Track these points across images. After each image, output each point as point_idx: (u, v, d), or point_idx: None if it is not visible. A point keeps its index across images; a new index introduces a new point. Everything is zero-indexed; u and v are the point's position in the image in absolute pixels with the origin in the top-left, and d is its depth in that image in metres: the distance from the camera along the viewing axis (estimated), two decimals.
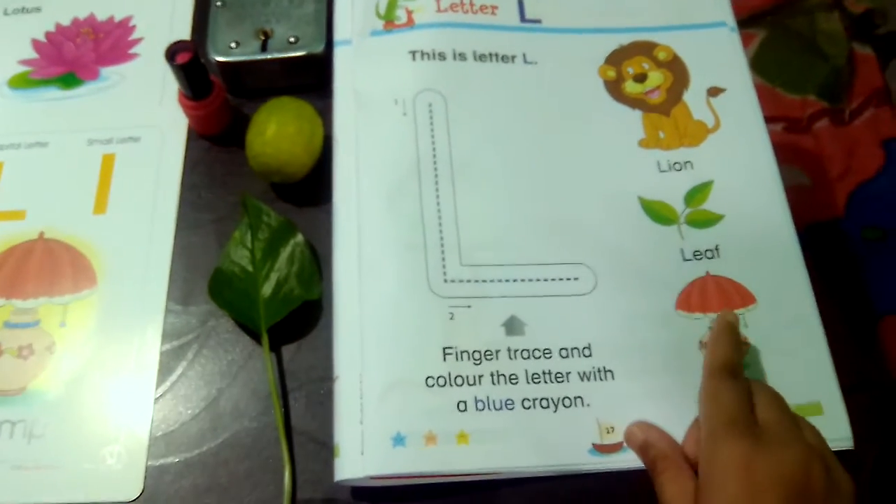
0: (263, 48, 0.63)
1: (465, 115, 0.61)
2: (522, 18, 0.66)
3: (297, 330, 0.58)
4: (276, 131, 0.59)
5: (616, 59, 0.65)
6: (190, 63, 0.59)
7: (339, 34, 0.65)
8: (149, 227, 0.62)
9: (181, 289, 0.60)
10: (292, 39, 0.64)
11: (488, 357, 0.54)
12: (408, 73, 0.63)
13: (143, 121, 0.66)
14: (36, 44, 0.70)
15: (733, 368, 0.49)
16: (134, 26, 0.70)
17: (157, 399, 0.57)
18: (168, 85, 0.67)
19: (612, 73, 0.64)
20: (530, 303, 0.56)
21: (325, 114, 0.62)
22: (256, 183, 0.62)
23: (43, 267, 0.61)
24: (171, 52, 0.59)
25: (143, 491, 0.54)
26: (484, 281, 0.56)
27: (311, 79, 0.65)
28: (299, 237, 0.59)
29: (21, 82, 0.68)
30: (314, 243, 0.60)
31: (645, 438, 0.50)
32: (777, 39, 0.74)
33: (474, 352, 0.54)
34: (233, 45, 0.64)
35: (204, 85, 0.61)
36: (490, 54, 0.64)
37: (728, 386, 0.48)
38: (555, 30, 0.66)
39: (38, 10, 0.72)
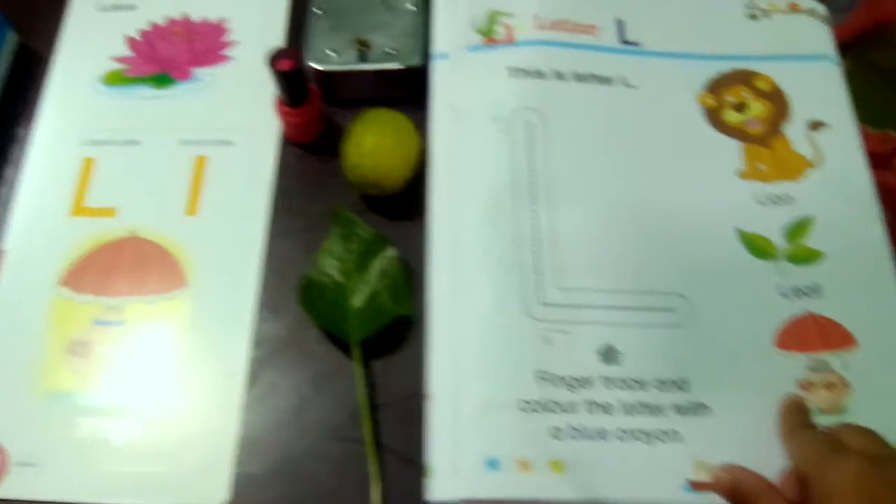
0: (361, 58, 0.63)
1: (562, 135, 0.60)
2: (622, 40, 0.65)
3: (386, 344, 0.57)
4: (374, 143, 0.59)
5: (715, 86, 0.64)
6: (292, 70, 0.58)
7: (436, 47, 0.65)
8: (239, 231, 0.62)
9: (270, 296, 0.59)
10: (390, 51, 0.63)
11: (583, 384, 0.53)
12: (506, 89, 0.62)
13: (236, 124, 0.66)
14: (130, 41, 0.70)
15: (805, 423, 0.51)
16: (228, 29, 0.70)
17: (243, 406, 0.56)
18: (261, 89, 0.67)
19: (711, 101, 0.63)
20: (626, 331, 0.55)
21: (420, 127, 0.62)
22: (347, 193, 0.62)
23: (133, 266, 0.61)
24: (274, 58, 0.58)
25: (229, 499, 0.53)
26: (579, 306, 0.55)
27: (406, 91, 0.64)
28: (391, 251, 0.59)
29: (115, 79, 0.69)
30: (405, 257, 0.59)
31: (733, 479, 0.50)
32: (860, 72, 0.72)
33: (569, 378, 0.53)
34: (330, 53, 0.63)
35: (303, 92, 0.61)
36: (589, 75, 0.63)
37: (809, 433, 0.50)
38: (654, 53, 0.65)
39: (132, 7, 0.72)
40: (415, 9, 0.65)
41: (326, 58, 0.63)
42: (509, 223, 0.58)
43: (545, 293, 0.56)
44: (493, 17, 0.65)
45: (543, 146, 0.60)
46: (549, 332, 0.55)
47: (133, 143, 0.66)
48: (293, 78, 0.59)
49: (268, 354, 0.58)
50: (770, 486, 0.49)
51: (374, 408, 0.56)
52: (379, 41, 0.64)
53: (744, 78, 0.65)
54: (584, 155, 0.60)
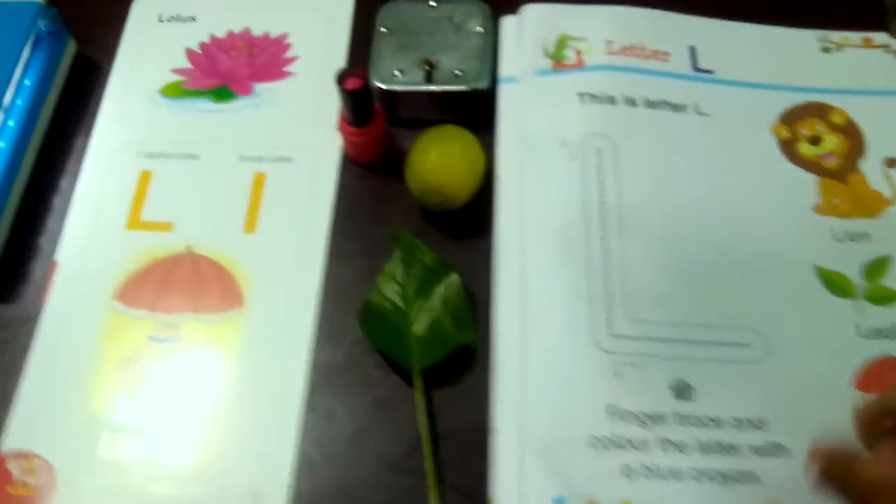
0: (428, 79, 0.61)
1: (633, 163, 0.59)
2: (695, 67, 0.63)
3: (448, 373, 0.56)
4: (440, 152, 0.58)
5: (790, 118, 0.63)
6: (360, 89, 0.57)
7: (504, 71, 0.64)
8: (298, 251, 0.60)
9: (329, 318, 0.58)
10: (457, 73, 0.62)
11: (655, 421, 0.51)
12: (576, 115, 0.61)
13: (297, 141, 0.64)
14: (190, 54, 0.69)
15: None
16: (289, 44, 0.69)
17: (299, 431, 0.54)
18: (323, 106, 0.65)
19: (785, 133, 0.62)
20: (699, 366, 0.53)
21: (485, 150, 0.61)
22: (409, 216, 0.61)
23: (189, 282, 0.59)
24: (342, 77, 0.57)
25: None
26: (651, 339, 0.54)
27: (471, 113, 0.63)
28: (454, 277, 0.57)
29: (174, 91, 0.67)
30: (468, 283, 0.58)
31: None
32: None
33: (641, 414, 0.51)
34: (396, 73, 0.62)
35: (368, 112, 0.59)
36: (661, 102, 0.62)
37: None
38: (728, 82, 0.64)
39: (192, 19, 0.71)
40: (483, 30, 0.64)
41: (392, 77, 0.62)
42: (579, 251, 0.56)
43: (616, 324, 0.54)
44: (563, 42, 0.64)
45: (614, 173, 0.59)
46: (619, 366, 0.53)
47: (191, 156, 0.64)
48: (360, 97, 0.58)
49: (325, 379, 0.57)
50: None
51: (434, 438, 0.54)
52: (446, 62, 0.63)
53: (818, 111, 0.63)
54: (656, 183, 0.58)
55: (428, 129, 0.60)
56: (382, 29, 0.64)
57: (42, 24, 0.65)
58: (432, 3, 0.65)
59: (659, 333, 0.54)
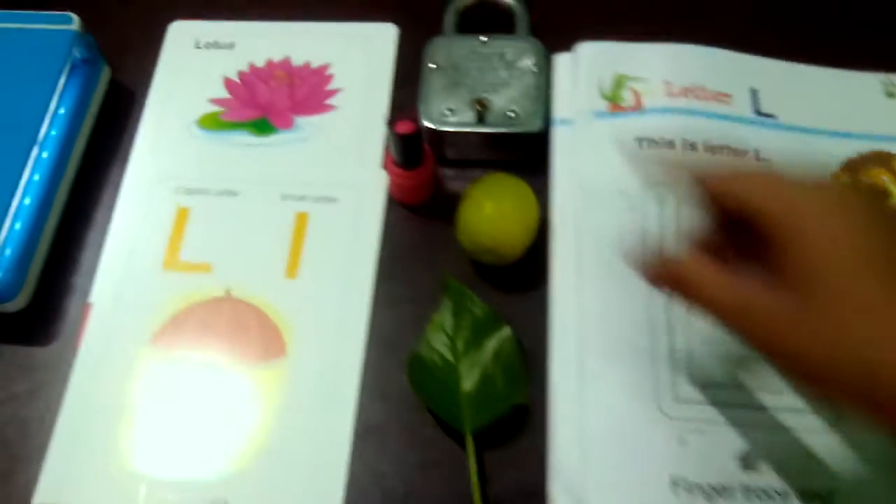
0: (479, 120, 0.59)
1: (695, 212, 0.56)
2: (757, 111, 0.61)
3: (501, 433, 0.54)
4: (494, 208, 0.55)
5: (852, 167, 0.60)
6: (412, 134, 0.54)
7: (559, 112, 0.61)
8: (343, 298, 0.58)
9: (374, 369, 0.56)
10: (510, 113, 0.59)
11: (721, 493, 0.49)
12: (634, 161, 0.58)
13: (340, 180, 0.62)
14: (228, 83, 0.67)
15: None
16: (331, 75, 0.67)
17: (343, 491, 0.52)
18: (367, 143, 0.63)
19: (847, 182, 0.59)
20: (766, 434, 0.51)
21: (539, 195, 0.59)
22: (457, 261, 0.58)
23: (229, 329, 0.57)
24: (393, 120, 0.54)
25: None
26: (717, 403, 0.51)
27: (523, 155, 0.60)
28: (507, 330, 0.55)
29: (212, 123, 0.65)
30: (520, 336, 0.56)
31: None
32: None
33: (706, 486, 0.49)
34: (447, 112, 0.59)
35: (419, 155, 0.57)
36: (723, 147, 0.59)
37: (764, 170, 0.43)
38: (789, 127, 0.61)
39: (231, 46, 0.69)
40: (536, 70, 0.61)
41: (442, 117, 0.59)
42: (641, 307, 0.54)
43: (681, 388, 0.51)
44: (621, 82, 0.61)
45: (676, 224, 0.56)
46: (684, 433, 0.51)
47: (230, 193, 0.62)
48: (411, 141, 0.56)
49: (372, 436, 0.55)
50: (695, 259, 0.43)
51: (486, 503, 0.51)
52: (498, 102, 0.60)
53: (884, 160, 0.60)
54: None
55: (479, 178, 0.58)
56: (431, 65, 0.61)
57: (77, 52, 0.63)
58: (483, 39, 0.62)
59: (726, 398, 0.52)
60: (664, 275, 0.44)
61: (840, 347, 0.35)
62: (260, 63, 0.68)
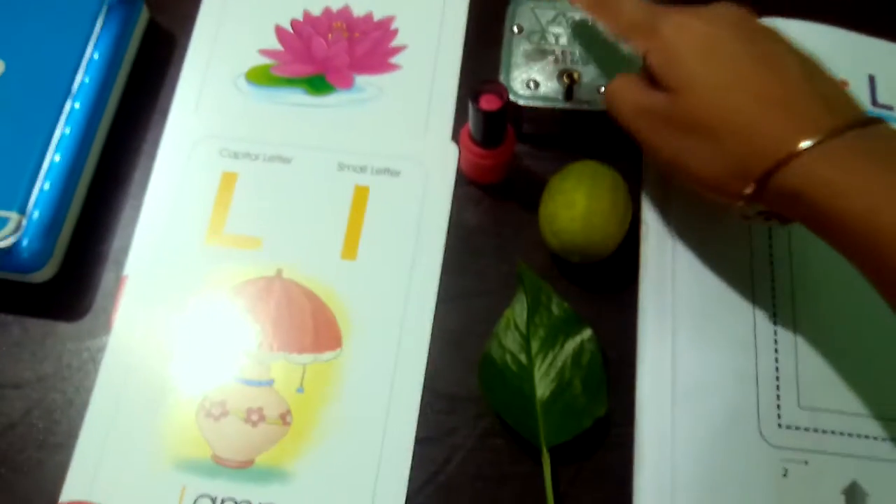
0: (568, 95, 0.52)
1: None
2: (874, 101, 0.54)
3: (577, 446, 0.49)
4: (588, 206, 0.49)
5: None
6: (498, 111, 0.48)
7: None
8: (406, 285, 0.52)
9: (440, 368, 0.51)
10: (602, 90, 0.52)
11: None
12: None
13: (405, 151, 0.55)
14: (280, 32, 0.59)
15: None
16: (396, 29, 0.59)
17: (406, 501, 0.46)
18: (436, 110, 0.57)
19: None
20: (873, 467, 0.47)
21: (629, 184, 0.53)
22: (536, 252, 0.53)
23: (282, 313, 0.51)
24: (477, 94, 0.48)
25: None
26: (825, 431, 0.47)
27: (612, 139, 0.53)
28: (588, 332, 0.50)
29: (261, 77, 0.58)
30: (602, 341, 0.51)
31: None
32: None
33: None
34: (531, 85, 0.52)
35: (502, 133, 0.50)
36: None
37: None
38: None
39: None
40: None
41: (526, 90, 0.52)
42: (745, 320, 0.49)
43: (785, 412, 0.46)
44: None
45: (787, 228, 0.49)
46: (787, 463, 0.45)
47: (282, 159, 0.56)
48: (496, 119, 0.49)
49: (437, 445, 0.50)
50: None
51: None
52: (588, 76, 0.54)
53: None
54: None
55: (566, 167, 0.52)
56: (514, 28, 0.54)
57: None
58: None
59: (834, 426, 0.47)
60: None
61: (693, 130, 0.44)
62: (316, 11, 0.61)
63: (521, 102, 0.53)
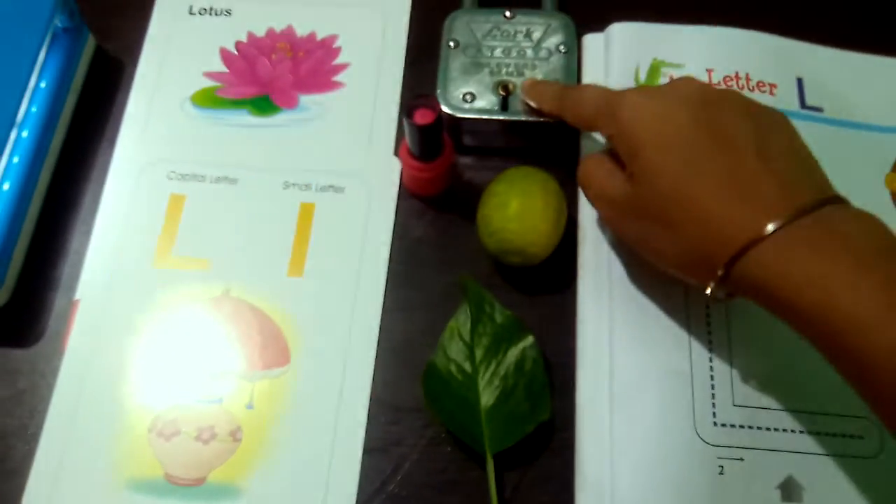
0: (503, 106, 0.53)
1: None
2: (802, 104, 0.55)
3: (521, 450, 0.50)
4: (521, 204, 0.50)
5: None
6: (431, 125, 0.49)
7: None
8: (352, 300, 0.53)
9: (386, 381, 0.52)
10: None
11: None
12: None
13: (349, 167, 0.57)
14: (225, 54, 0.61)
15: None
16: (339, 48, 0.61)
17: None
18: (377, 126, 0.58)
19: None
20: (808, 461, 0.48)
21: (565, 189, 0.54)
22: (477, 261, 0.54)
23: (230, 332, 0.52)
24: (411, 109, 0.49)
25: None
26: (759, 428, 0.48)
27: (548, 146, 0.55)
28: (530, 339, 0.51)
29: (207, 100, 0.59)
30: (544, 345, 0.52)
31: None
32: None
33: None
34: (468, 97, 0.54)
35: (438, 146, 0.51)
36: None
37: (584, 86, 0.54)
38: (837, 122, 0.56)
39: (228, 13, 0.63)
40: (565, 50, 0.56)
41: (463, 103, 0.54)
42: (679, 318, 0.49)
43: (720, 410, 0.47)
44: (657, 68, 0.56)
45: None
46: (723, 461, 0.47)
47: (228, 180, 0.57)
48: (431, 132, 0.50)
49: (384, 455, 0.51)
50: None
51: None
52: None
53: None
54: None
55: (501, 172, 0.53)
56: (450, 43, 0.55)
57: (59, 20, 0.56)
58: (507, 14, 0.56)
59: (769, 422, 0.49)
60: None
61: (657, 219, 0.44)
62: (260, 32, 0.62)
63: (459, 115, 0.54)
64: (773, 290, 0.39)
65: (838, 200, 0.41)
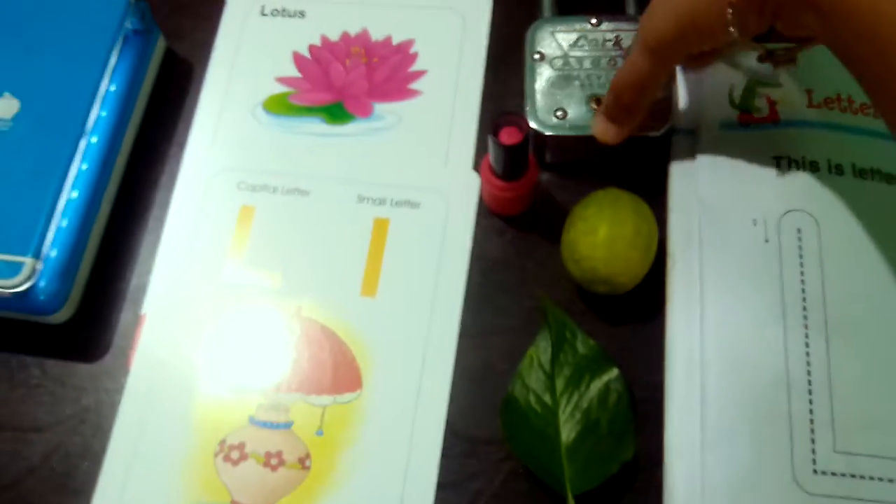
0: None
1: (843, 248, 0.49)
2: None
3: (601, 491, 0.47)
4: (610, 231, 0.48)
5: None
6: (519, 145, 0.46)
7: (679, 120, 0.52)
8: (427, 322, 0.50)
9: (462, 410, 0.50)
10: None
11: None
12: (771, 184, 0.50)
13: (425, 182, 0.54)
14: (298, 59, 0.58)
15: None
16: (416, 54, 0.58)
17: None
18: (456, 138, 0.55)
19: None
20: None
21: (655, 213, 0.51)
22: (560, 285, 0.51)
23: (301, 353, 0.50)
24: (497, 127, 0.46)
25: None
26: (862, 477, 0.44)
27: (638, 162, 0.52)
28: (615, 372, 0.48)
29: (279, 106, 0.57)
30: (630, 378, 0.49)
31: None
32: None
33: None
34: (559, 113, 0.51)
35: (523, 166, 0.49)
36: (872, 170, 0.50)
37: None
38: None
39: (301, 14, 0.60)
40: None
41: (552, 120, 0.51)
42: (777, 360, 0.47)
43: (820, 457, 0.44)
44: (753, 87, 0.52)
45: (819, 262, 0.48)
46: None
47: (300, 192, 0.54)
48: (517, 152, 0.47)
49: (457, 490, 0.49)
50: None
51: None
52: None
53: None
54: (872, 275, 0.49)
55: (589, 195, 0.51)
56: (535, 55, 0.52)
57: (130, 23, 0.54)
58: (593, 22, 0.53)
59: (872, 471, 0.45)
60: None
61: None
62: (334, 36, 0.59)
63: (549, 133, 0.51)
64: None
65: None
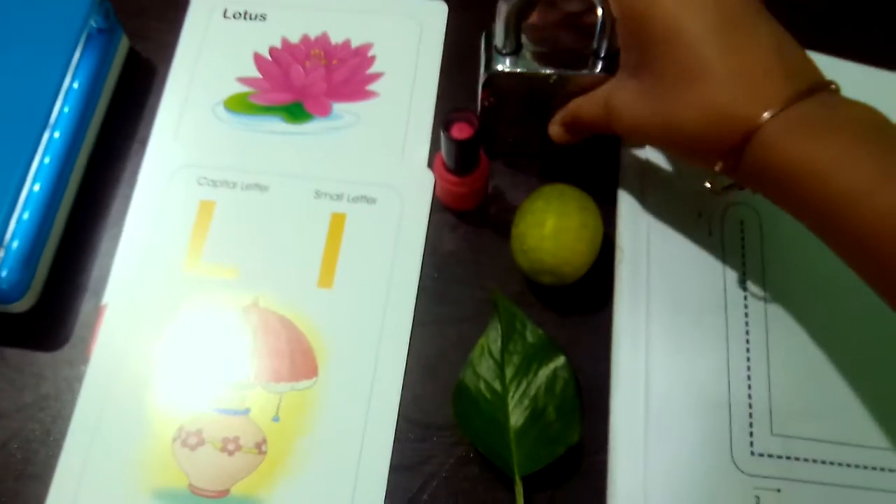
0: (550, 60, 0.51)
1: (783, 240, 0.51)
2: None
3: (550, 474, 0.49)
4: (557, 223, 0.50)
5: None
6: (470, 140, 0.48)
7: None
8: (382, 313, 0.52)
9: (415, 396, 0.51)
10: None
11: None
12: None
13: (381, 178, 0.56)
14: (258, 60, 0.60)
15: None
16: (373, 57, 0.60)
17: None
18: (411, 137, 0.57)
19: None
20: (846, 494, 0.47)
21: (602, 208, 0.53)
22: (510, 278, 0.53)
23: (258, 342, 0.51)
24: (449, 123, 0.48)
25: None
26: (797, 459, 0.47)
27: (585, 158, 0.54)
28: (562, 359, 0.50)
29: (240, 105, 0.58)
30: (577, 366, 0.51)
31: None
32: None
33: None
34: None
35: (474, 161, 0.50)
36: None
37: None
38: None
39: (262, 17, 0.62)
40: None
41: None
42: (719, 349, 0.49)
43: (758, 440, 0.46)
44: None
45: (760, 254, 0.51)
46: (759, 491, 0.46)
47: (259, 187, 0.56)
48: (468, 147, 0.49)
49: (412, 474, 0.50)
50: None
51: None
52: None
53: None
54: (811, 267, 0.52)
55: (536, 189, 0.52)
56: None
57: (94, 21, 0.56)
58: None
59: (807, 453, 0.48)
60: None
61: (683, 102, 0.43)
62: (294, 39, 0.61)
63: (500, 68, 0.50)
64: (776, 171, 0.40)
65: (830, 86, 0.41)
